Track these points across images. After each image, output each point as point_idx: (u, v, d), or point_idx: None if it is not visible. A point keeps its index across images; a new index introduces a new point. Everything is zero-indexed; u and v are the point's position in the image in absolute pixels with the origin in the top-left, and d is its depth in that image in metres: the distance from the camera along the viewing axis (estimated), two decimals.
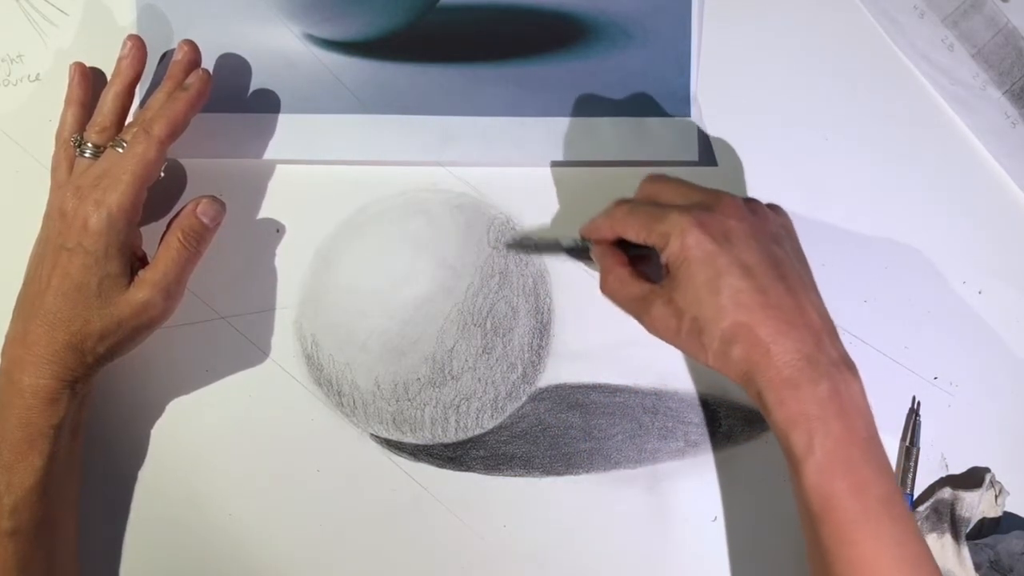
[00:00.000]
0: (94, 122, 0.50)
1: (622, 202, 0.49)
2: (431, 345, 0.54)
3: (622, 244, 0.50)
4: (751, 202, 0.48)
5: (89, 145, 0.49)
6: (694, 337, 0.45)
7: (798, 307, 0.45)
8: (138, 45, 0.51)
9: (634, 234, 0.47)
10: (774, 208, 0.49)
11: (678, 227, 0.45)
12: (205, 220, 0.50)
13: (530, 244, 0.56)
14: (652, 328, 0.48)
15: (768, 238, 0.46)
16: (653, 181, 0.50)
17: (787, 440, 0.44)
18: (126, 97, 0.51)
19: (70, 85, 0.52)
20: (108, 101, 0.50)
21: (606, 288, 0.50)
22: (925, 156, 0.58)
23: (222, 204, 0.51)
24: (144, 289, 0.48)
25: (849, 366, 0.45)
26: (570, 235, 0.54)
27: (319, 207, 0.56)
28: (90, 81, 0.52)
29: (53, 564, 0.49)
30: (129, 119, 0.52)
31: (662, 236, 0.45)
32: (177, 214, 0.51)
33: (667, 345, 0.56)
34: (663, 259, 0.46)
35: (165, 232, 0.50)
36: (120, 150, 0.48)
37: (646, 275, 0.49)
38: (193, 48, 0.52)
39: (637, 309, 0.48)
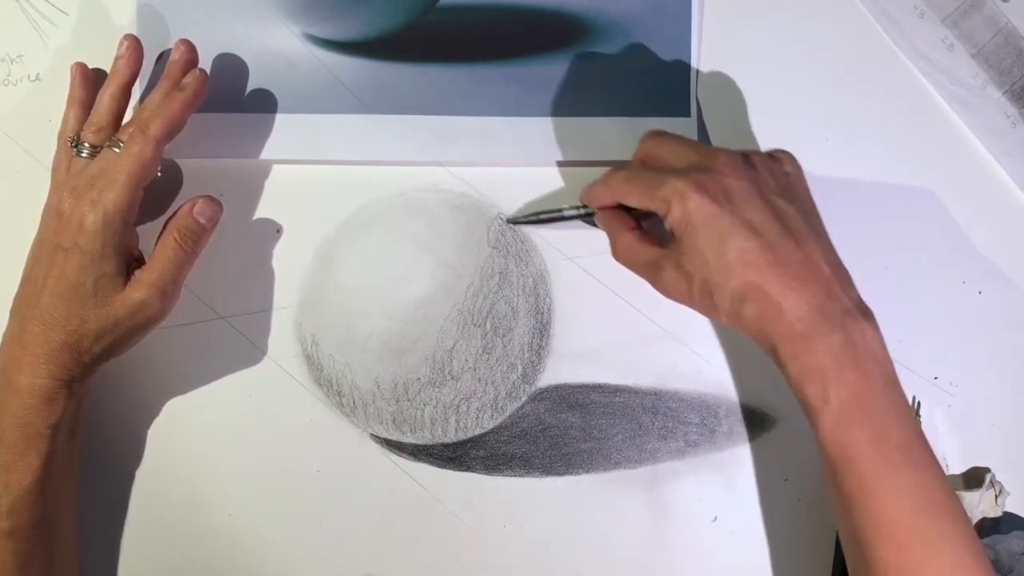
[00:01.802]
0: (91, 122, 0.49)
1: (619, 168, 0.48)
2: (431, 345, 0.53)
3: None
4: (750, 155, 0.46)
5: (86, 145, 0.49)
6: (706, 299, 0.44)
7: (807, 259, 0.43)
8: (134, 45, 0.50)
9: (634, 201, 0.46)
10: (777, 156, 0.48)
11: (677, 192, 0.44)
12: (202, 220, 0.49)
13: (533, 217, 0.54)
14: (664, 292, 0.47)
15: (771, 191, 0.45)
16: (650, 138, 0.48)
17: (802, 393, 0.43)
18: (123, 97, 0.50)
19: (72, 85, 0.51)
20: (105, 101, 0.50)
21: (616, 255, 0.49)
22: (925, 156, 0.57)
23: (219, 204, 0.50)
24: (140, 289, 0.47)
25: (864, 313, 0.44)
26: (572, 203, 0.53)
27: (319, 207, 0.54)
28: (92, 81, 0.51)
29: (52, 564, 0.48)
30: (127, 119, 0.51)
31: (663, 202, 0.44)
32: (174, 214, 0.50)
33: (667, 345, 0.56)
34: (667, 224, 0.45)
35: (161, 232, 0.50)
36: (116, 150, 0.47)
37: (654, 236, 0.48)
38: (190, 48, 0.51)
39: (648, 274, 0.47)
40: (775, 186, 0.45)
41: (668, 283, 0.46)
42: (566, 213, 0.53)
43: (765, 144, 0.56)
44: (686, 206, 0.43)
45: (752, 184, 0.44)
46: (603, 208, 0.50)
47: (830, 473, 0.43)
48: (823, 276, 0.43)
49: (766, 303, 0.43)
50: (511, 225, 0.55)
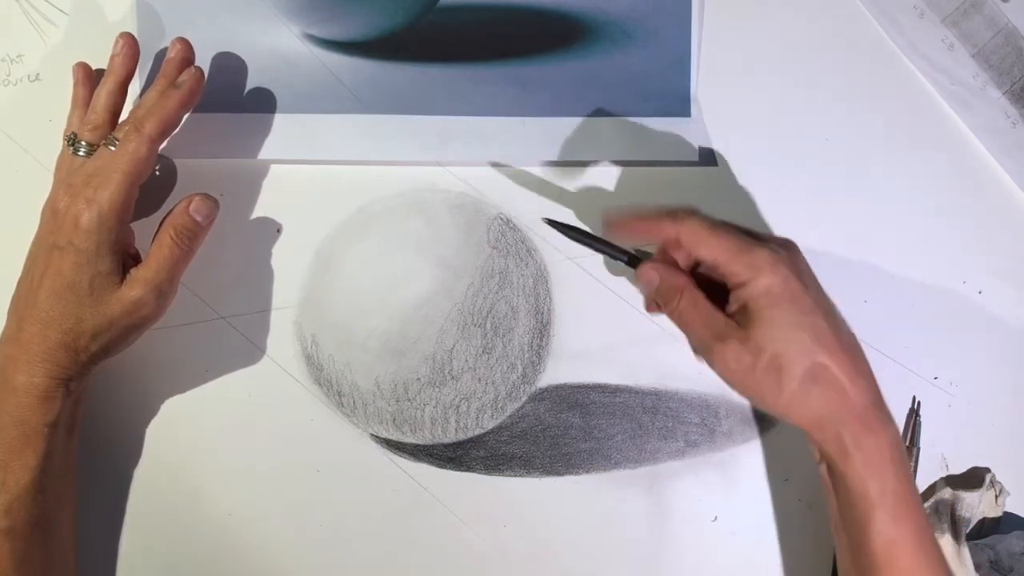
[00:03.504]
0: (87, 120, 0.48)
1: (691, 213, 0.45)
2: (431, 345, 0.51)
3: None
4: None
5: (83, 143, 0.47)
6: (771, 375, 0.42)
7: (860, 351, 0.43)
8: (130, 43, 0.49)
9: (712, 255, 0.43)
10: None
11: (769, 262, 0.42)
12: (198, 218, 0.48)
13: (571, 231, 0.49)
14: (720, 361, 0.43)
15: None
16: (692, 219, 0.44)
17: (862, 485, 0.42)
18: (119, 95, 0.49)
19: (74, 86, 0.50)
20: (101, 99, 0.48)
21: (678, 310, 0.45)
22: (925, 156, 0.56)
23: (215, 202, 0.49)
24: (136, 287, 0.46)
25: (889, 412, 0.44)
26: (615, 240, 0.48)
27: (319, 207, 0.53)
28: (94, 81, 0.50)
29: (50, 563, 0.47)
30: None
31: (751, 268, 0.42)
32: (170, 212, 0.49)
33: (667, 345, 0.54)
34: (741, 293, 0.43)
35: (158, 230, 0.48)
36: (112, 148, 0.46)
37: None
38: (186, 46, 0.50)
39: (708, 338, 0.44)
40: None
41: (729, 353, 0.43)
42: (606, 250, 0.48)
43: (764, 143, 0.55)
44: (774, 279, 0.42)
45: (812, 270, 0.45)
46: (659, 263, 0.46)
47: (870, 565, 0.43)
48: (871, 370, 0.43)
49: (834, 388, 0.42)
50: (545, 222, 0.50)
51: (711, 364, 0.44)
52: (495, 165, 0.54)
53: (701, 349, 0.44)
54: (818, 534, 0.54)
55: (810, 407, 0.42)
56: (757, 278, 0.42)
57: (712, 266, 0.44)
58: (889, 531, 0.42)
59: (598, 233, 0.48)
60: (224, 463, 0.53)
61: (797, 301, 0.42)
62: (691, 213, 0.45)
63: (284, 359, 0.53)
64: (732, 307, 0.44)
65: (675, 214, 0.45)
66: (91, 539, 0.51)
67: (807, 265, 0.44)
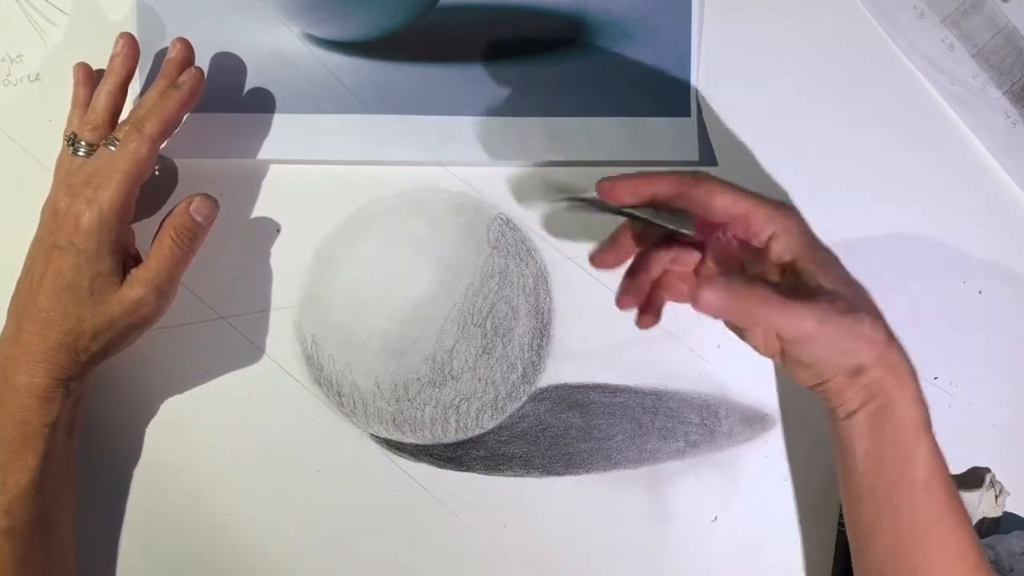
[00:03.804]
0: (87, 120, 0.48)
1: (707, 175, 0.43)
2: (431, 345, 0.51)
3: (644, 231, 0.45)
4: None
5: (83, 143, 0.47)
6: (849, 314, 0.40)
7: None
8: (130, 43, 0.49)
9: (746, 207, 0.42)
10: None
11: (793, 207, 0.43)
12: (198, 218, 0.48)
13: (575, 198, 0.48)
14: (819, 311, 0.39)
15: None
16: (711, 182, 0.43)
17: (916, 412, 0.43)
18: (119, 95, 0.49)
19: (74, 86, 0.50)
20: (101, 99, 0.48)
21: (761, 311, 0.39)
22: (925, 156, 0.56)
23: (215, 202, 0.49)
24: (136, 287, 0.46)
25: None
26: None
27: (319, 207, 0.53)
28: (94, 82, 0.50)
29: (50, 563, 0.47)
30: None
31: (783, 214, 0.42)
32: (170, 212, 0.48)
33: (667, 345, 0.54)
34: (780, 243, 0.42)
35: (158, 230, 0.48)
36: (112, 148, 0.46)
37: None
38: (186, 46, 0.50)
39: (797, 306, 0.39)
40: None
41: (822, 302, 0.40)
42: (657, 220, 0.44)
43: (764, 142, 0.55)
44: (802, 223, 0.43)
45: None
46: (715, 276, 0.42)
47: (908, 501, 0.44)
48: None
49: (882, 320, 0.42)
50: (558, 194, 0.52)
51: (805, 328, 0.39)
52: (495, 165, 0.54)
53: (792, 319, 0.39)
54: (818, 534, 0.54)
55: (878, 341, 0.41)
56: (793, 223, 0.42)
57: (742, 219, 0.42)
58: (930, 462, 0.43)
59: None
60: (223, 463, 0.53)
61: (823, 245, 0.43)
62: (706, 175, 0.43)
63: (284, 359, 0.53)
64: (775, 259, 0.42)
65: (695, 178, 0.43)
66: (91, 539, 0.51)
67: None
